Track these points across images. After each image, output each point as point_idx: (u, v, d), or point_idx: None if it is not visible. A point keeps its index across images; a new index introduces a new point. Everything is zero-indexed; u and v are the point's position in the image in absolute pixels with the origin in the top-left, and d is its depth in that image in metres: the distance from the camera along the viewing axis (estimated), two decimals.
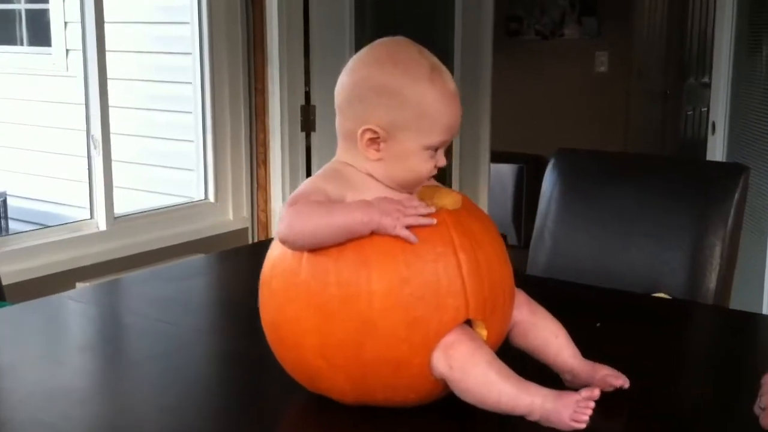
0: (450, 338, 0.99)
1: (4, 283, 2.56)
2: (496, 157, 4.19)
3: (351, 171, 1.05)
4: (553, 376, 1.12)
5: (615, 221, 1.97)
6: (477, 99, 3.66)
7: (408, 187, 1.06)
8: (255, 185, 3.23)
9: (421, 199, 1.12)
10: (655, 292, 1.86)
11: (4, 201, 3.95)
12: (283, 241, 1.01)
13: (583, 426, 0.98)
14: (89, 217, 2.89)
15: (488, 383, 0.98)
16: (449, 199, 1.09)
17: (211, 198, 3.18)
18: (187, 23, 3.11)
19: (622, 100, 5.25)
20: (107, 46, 2.79)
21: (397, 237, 0.98)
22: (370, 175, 1.05)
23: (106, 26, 2.77)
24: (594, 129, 5.14)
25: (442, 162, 1.06)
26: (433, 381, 1.01)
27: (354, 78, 1.05)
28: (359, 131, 1.03)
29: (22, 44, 4.29)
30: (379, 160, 1.04)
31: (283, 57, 3.11)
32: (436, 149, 1.05)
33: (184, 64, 3.16)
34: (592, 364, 1.12)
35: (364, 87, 1.03)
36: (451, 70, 3.63)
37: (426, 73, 1.02)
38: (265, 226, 3.23)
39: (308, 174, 3.19)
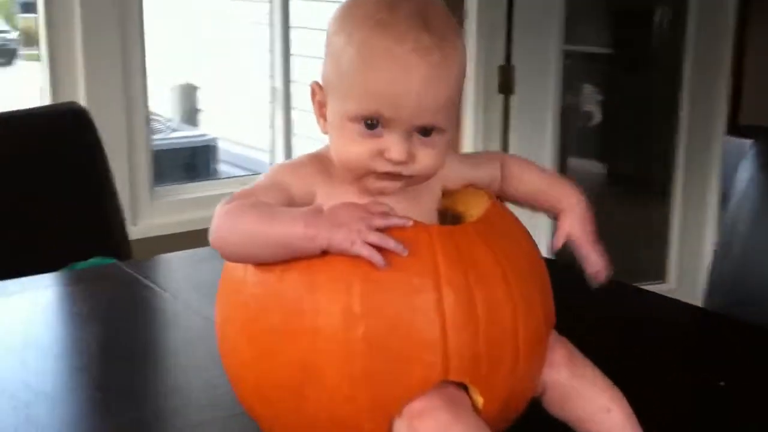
0: (419, 405, 0.70)
1: (174, 231, 2.55)
2: (752, 132, 3.61)
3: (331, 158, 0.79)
4: None
5: None
6: (713, 62, 3.12)
7: (356, 181, 0.77)
8: None
9: (448, 203, 0.84)
10: None
11: (215, 147, 4.02)
12: (216, 249, 0.78)
13: None
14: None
15: None
16: (477, 207, 0.80)
17: None
18: None
19: None
20: None
21: (359, 257, 0.70)
22: None
23: None
24: None
25: (394, 153, 0.73)
26: None
27: (332, 20, 0.78)
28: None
29: None
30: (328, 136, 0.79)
31: (482, 8, 2.81)
32: (368, 124, 0.73)
33: None
34: None
35: (331, 30, 0.78)
36: (684, 26, 3.14)
37: (380, 18, 0.72)
38: None
39: (505, 138, 2.93)
